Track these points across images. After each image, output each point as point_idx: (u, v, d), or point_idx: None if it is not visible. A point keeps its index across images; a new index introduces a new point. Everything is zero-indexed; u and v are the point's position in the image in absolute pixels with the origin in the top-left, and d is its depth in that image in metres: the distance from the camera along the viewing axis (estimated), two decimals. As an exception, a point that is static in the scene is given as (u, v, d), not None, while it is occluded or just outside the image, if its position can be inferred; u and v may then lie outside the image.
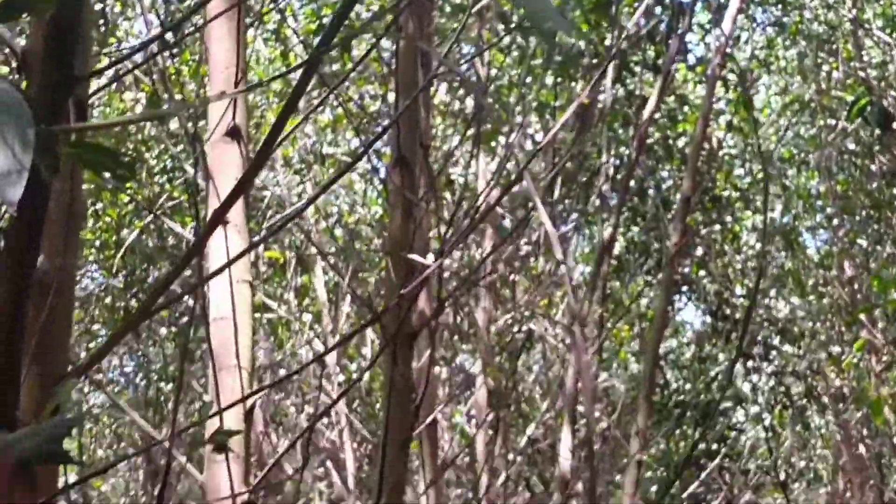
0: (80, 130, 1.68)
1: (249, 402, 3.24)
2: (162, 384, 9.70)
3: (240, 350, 3.19)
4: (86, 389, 9.56)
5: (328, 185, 2.23)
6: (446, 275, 7.21)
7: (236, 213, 3.36)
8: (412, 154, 3.93)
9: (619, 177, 6.58)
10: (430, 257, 7.45)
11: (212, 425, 3.22)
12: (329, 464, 7.34)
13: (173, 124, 7.42)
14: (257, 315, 8.56)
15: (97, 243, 8.82)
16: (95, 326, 9.40)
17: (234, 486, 3.08)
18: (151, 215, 6.73)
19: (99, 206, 8.79)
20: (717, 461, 5.58)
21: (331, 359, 7.67)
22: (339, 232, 8.73)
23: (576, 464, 5.24)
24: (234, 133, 3.48)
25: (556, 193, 6.84)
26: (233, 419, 3.18)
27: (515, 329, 7.49)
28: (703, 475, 6.95)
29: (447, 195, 7.23)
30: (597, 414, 7.52)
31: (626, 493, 5.56)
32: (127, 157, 1.58)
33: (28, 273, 1.49)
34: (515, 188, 7.16)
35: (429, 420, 3.31)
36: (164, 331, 9.41)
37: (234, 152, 3.44)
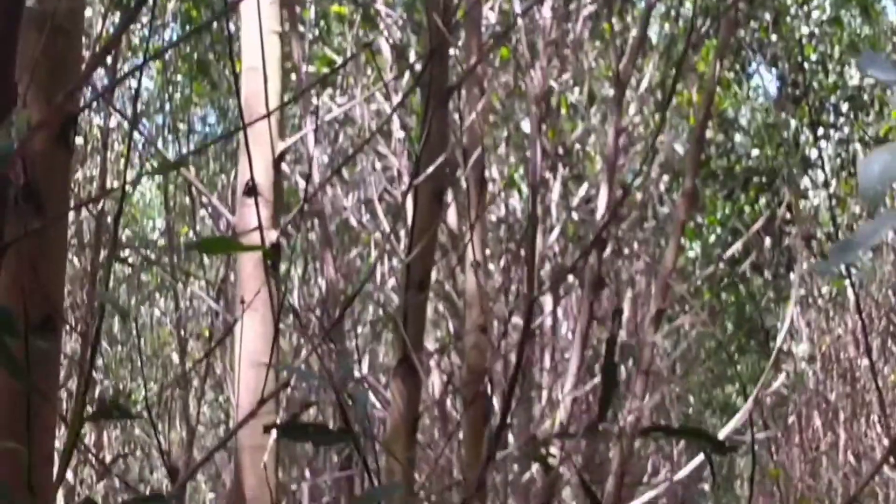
0: None
1: (278, 150, 3.39)
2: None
3: (269, 100, 3.32)
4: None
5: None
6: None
7: (266, -34, 3.43)
8: None
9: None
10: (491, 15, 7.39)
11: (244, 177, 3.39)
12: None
13: None
14: (325, 69, 8.66)
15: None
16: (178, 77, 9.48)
17: (264, 230, 3.27)
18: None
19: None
20: (759, 223, 5.67)
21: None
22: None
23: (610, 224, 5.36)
24: None
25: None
26: (262, 169, 3.35)
27: (577, 91, 7.53)
28: (752, 231, 7.01)
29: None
30: (653, 175, 7.61)
31: (669, 252, 5.71)
32: None
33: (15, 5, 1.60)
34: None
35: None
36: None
37: None
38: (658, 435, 1.48)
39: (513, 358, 5.68)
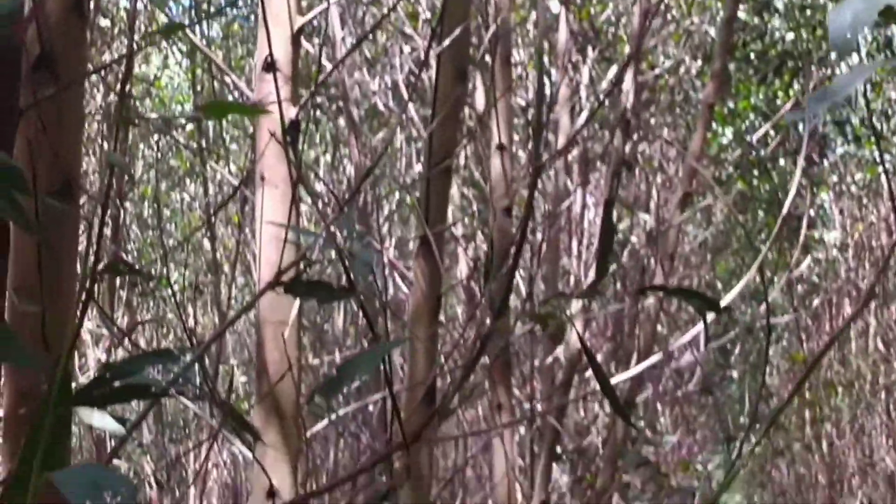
0: None
1: (297, 26, 3.38)
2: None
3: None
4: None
5: None
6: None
7: None
8: None
9: None
10: None
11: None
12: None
13: None
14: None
15: None
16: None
17: (282, 104, 3.27)
18: None
19: None
20: (788, 105, 5.58)
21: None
22: None
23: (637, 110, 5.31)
24: None
25: None
26: (280, 45, 3.34)
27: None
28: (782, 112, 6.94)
29: None
30: (686, 58, 7.53)
31: (697, 136, 5.67)
32: None
33: None
34: None
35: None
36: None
37: None
38: (654, 293, 1.49)
39: (536, 238, 5.71)
